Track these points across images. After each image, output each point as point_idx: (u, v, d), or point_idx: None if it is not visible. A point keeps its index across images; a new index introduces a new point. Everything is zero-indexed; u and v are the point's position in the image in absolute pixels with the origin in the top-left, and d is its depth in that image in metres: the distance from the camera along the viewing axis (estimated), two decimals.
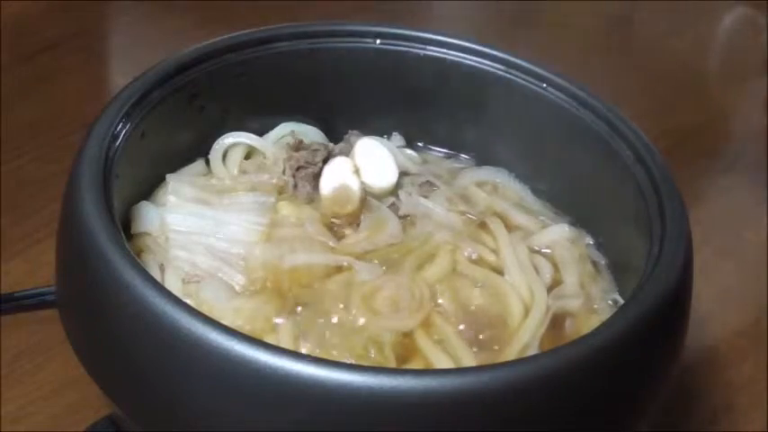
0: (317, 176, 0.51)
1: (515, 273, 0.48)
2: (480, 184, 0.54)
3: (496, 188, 0.54)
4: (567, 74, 0.51)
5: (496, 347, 0.44)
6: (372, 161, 0.51)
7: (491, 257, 0.49)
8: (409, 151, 0.55)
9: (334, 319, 0.43)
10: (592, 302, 0.48)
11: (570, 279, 0.48)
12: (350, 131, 0.54)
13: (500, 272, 0.48)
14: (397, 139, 0.56)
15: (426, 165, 0.55)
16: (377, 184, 0.51)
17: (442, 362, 0.42)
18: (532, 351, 0.44)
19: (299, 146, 0.52)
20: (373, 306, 0.44)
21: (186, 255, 0.46)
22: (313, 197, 0.50)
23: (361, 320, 0.43)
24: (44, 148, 0.68)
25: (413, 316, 0.44)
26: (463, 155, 0.56)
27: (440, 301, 0.46)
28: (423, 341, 0.43)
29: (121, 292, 0.37)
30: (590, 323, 0.46)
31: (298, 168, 0.51)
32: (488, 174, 0.55)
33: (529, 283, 0.47)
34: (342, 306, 0.44)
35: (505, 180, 0.54)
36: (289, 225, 0.48)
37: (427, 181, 0.52)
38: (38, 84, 0.75)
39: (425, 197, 0.51)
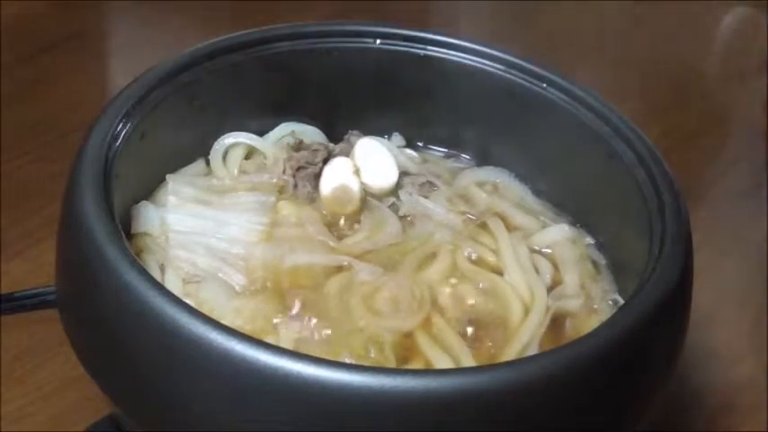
0: (317, 176, 0.51)
1: (515, 273, 0.48)
2: (480, 184, 0.54)
3: (497, 188, 0.54)
4: (567, 74, 0.51)
5: (496, 347, 0.44)
6: (372, 161, 0.51)
7: (491, 257, 0.49)
8: (409, 151, 0.55)
9: (335, 320, 0.43)
10: (592, 302, 0.48)
11: (570, 279, 0.48)
12: (350, 131, 0.54)
13: (500, 272, 0.48)
14: (397, 139, 0.56)
15: (426, 165, 0.55)
16: (377, 184, 0.51)
17: (442, 362, 0.42)
18: (532, 351, 0.44)
19: (299, 146, 0.52)
20: (373, 306, 0.44)
21: (186, 255, 0.46)
22: (313, 197, 0.50)
23: (361, 320, 0.43)
24: (44, 148, 0.68)
25: (413, 316, 0.44)
26: (463, 155, 0.56)
27: (440, 301, 0.46)
28: (423, 341, 0.43)
29: (121, 292, 0.37)
30: (590, 323, 0.46)
31: (298, 168, 0.51)
32: (488, 174, 0.54)
33: (529, 284, 0.47)
34: (342, 306, 0.44)
35: (506, 180, 0.54)
36: (289, 225, 0.48)
37: (427, 181, 0.52)
38: (38, 84, 0.75)
39: (425, 197, 0.51)
